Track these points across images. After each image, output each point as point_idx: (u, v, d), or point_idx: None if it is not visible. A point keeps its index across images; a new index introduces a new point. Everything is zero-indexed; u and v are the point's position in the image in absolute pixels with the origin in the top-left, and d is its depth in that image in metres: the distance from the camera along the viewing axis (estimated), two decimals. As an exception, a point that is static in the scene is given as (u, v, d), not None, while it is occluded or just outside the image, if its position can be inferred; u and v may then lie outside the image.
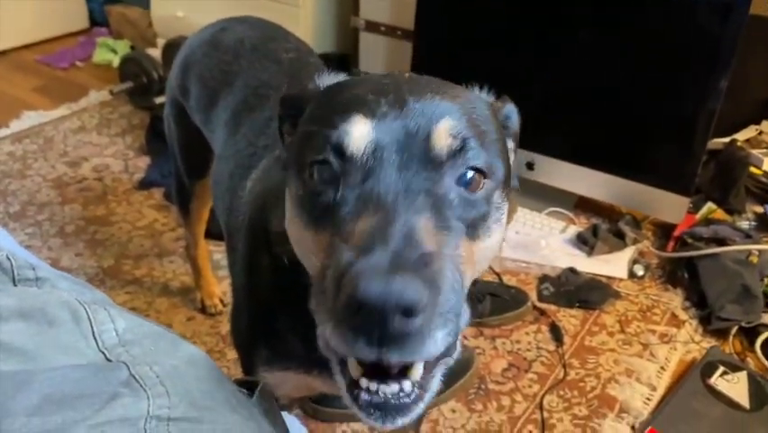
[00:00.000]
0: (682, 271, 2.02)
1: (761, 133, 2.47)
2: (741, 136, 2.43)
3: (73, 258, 2.10)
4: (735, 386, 1.64)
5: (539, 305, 1.93)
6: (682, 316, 1.92)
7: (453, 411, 1.61)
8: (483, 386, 1.68)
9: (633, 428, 1.58)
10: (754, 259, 1.95)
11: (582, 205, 2.35)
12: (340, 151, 0.64)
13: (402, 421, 0.63)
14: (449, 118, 0.66)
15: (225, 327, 1.84)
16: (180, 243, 2.11)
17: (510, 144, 0.83)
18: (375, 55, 2.84)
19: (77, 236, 2.20)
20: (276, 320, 0.94)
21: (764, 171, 2.31)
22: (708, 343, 1.82)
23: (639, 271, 2.06)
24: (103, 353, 0.62)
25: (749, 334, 1.82)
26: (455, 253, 0.62)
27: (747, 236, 2.04)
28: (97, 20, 3.95)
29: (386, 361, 0.56)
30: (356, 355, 0.57)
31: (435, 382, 0.65)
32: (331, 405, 1.55)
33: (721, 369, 1.69)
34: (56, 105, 3.07)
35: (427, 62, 2.31)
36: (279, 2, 2.76)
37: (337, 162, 0.65)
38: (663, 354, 1.78)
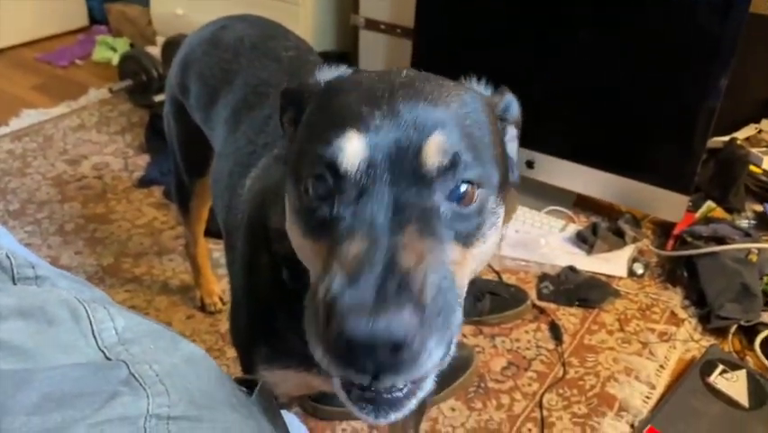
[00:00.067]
0: (682, 270, 2.02)
1: (760, 131, 2.47)
2: (741, 135, 2.43)
3: (73, 256, 2.10)
4: (734, 385, 1.64)
5: (539, 303, 1.94)
6: (682, 314, 1.92)
7: (453, 410, 1.61)
8: (483, 384, 1.68)
9: (632, 426, 1.58)
10: (754, 258, 1.95)
11: (582, 203, 2.35)
12: (334, 167, 0.65)
13: (395, 416, 0.64)
14: (440, 132, 0.65)
15: (225, 325, 1.84)
16: (180, 241, 2.11)
17: (512, 132, 0.83)
18: (375, 53, 2.83)
19: (76, 234, 2.20)
20: (275, 318, 0.94)
21: (764, 170, 2.31)
22: (708, 341, 1.82)
23: (639, 269, 2.06)
24: (102, 351, 0.62)
25: (748, 332, 1.82)
26: (445, 261, 0.63)
27: (747, 235, 2.04)
28: (97, 18, 3.94)
29: (381, 383, 0.58)
30: (348, 379, 0.60)
31: (429, 379, 0.66)
32: (330, 403, 1.55)
33: (720, 367, 1.69)
34: (55, 104, 3.07)
35: (427, 61, 2.31)
36: (279, 0, 2.76)
37: (331, 178, 0.66)
38: (663, 353, 1.79)
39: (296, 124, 0.81)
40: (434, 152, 0.64)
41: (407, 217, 0.62)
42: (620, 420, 1.60)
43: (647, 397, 1.66)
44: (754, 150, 2.35)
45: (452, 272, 0.63)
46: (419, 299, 0.56)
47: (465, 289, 0.71)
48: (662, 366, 1.75)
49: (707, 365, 1.70)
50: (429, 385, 0.66)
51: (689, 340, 1.83)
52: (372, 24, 2.78)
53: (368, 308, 0.54)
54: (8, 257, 0.71)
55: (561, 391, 1.67)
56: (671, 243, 2.12)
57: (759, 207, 2.24)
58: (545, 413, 1.61)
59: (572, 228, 2.22)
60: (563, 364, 1.74)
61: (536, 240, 2.16)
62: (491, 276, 2.01)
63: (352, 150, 0.64)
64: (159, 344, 0.66)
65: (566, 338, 1.82)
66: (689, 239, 2.06)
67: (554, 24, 2.13)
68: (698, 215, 2.19)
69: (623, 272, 2.07)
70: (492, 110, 0.78)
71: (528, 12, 2.16)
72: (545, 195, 2.31)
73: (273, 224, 0.88)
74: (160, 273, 2.05)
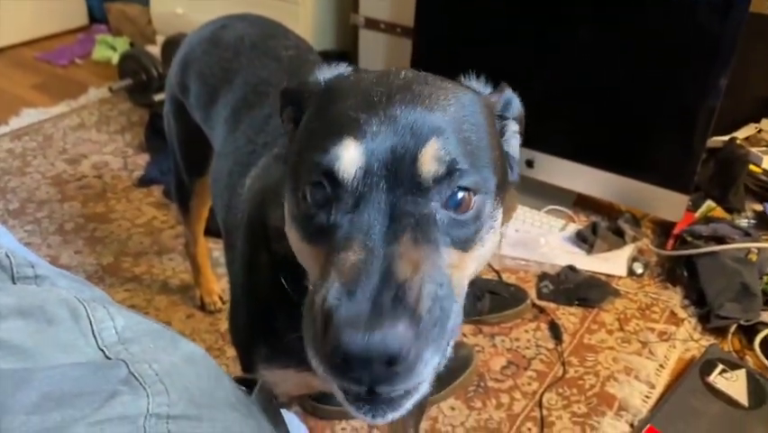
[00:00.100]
0: (681, 270, 2.02)
1: (760, 131, 2.47)
2: (740, 134, 2.43)
3: (72, 255, 2.10)
4: (733, 384, 1.64)
5: (538, 303, 1.94)
6: (681, 314, 1.92)
7: (453, 409, 1.61)
8: (482, 384, 1.68)
9: (632, 425, 1.58)
10: (754, 257, 1.95)
11: (582, 203, 2.35)
12: (331, 175, 0.65)
13: (392, 416, 0.64)
14: (436, 140, 0.65)
15: (225, 324, 1.84)
16: (180, 240, 2.11)
17: (514, 127, 0.83)
18: (375, 52, 2.83)
19: (76, 234, 2.20)
20: (275, 318, 0.94)
21: (764, 169, 2.31)
22: (707, 341, 1.82)
23: (638, 269, 2.06)
24: (102, 351, 0.62)
25: (748, 332, 1.82)
26: (441, 267, 0.63)
27: (746, 234, 2.04)
28: (97, 17, 3.94)
29: (375, 391, 0.59)
30: (345, 388, 0.61)
31: (425, 382, 0.66)
32: (330, 403, 1.55)
33: (720, 367, 1.69)
34: (55, 103, 3.07)
35: (427, 60, 2.31)
36: (279, -1, 2.76)
37: (329, 186, 0.66)
38: (662, 352, 1.79)
39: (295, 122, 0.81)
40: (429, 159, 0.65)
41: (404, 226, 0.62)
42: (620, 420, 1.60)
43: (647, 396, 1.66)
44: (753, 149, 2.35)
45: (449, 279, 0.64)
46: (415, 311, 0.57)
47: (465, 290, 0.71)
48: (661, 366, 1.75)
49: (706, 365, 1.70)
50: (425, 387, 0.66)
51: (688, 339, 1.83)
52: (372, 23, 2.78)
53: (363, 322, 0.55)
54: (8, 256, 0.71)
55: (560, 390, 1.67)
56: (670, 242, 2.12)
57: (759, 207, 2.24)
58: (545, 412, 1.61)
59: (572, 228, 2.22)
60: (563, 364, 1.74)
61: (536, 239, 2.16)
62: (491, 275, 2.01)
63: (349, 158, 0.65)
64: (158, 343, 0.66)
65: (566, 338, 1.82)
66: (688, 238, 2.06)
67: (554, 23, 2.13)
68: (697, 214, 2.19)
69: (623, 272, 2.07)
70: (491, 111, 0.78)
71: (528, 10, 2.16)
72: (545, 194, 2.31)
73: (273, 223, 0.88)
74: (159, 273, 2.05)
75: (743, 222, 2.17)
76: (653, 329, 1.87)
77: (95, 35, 3.71)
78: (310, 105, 0.77)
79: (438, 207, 0.66)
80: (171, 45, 2.73)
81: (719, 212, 2.20)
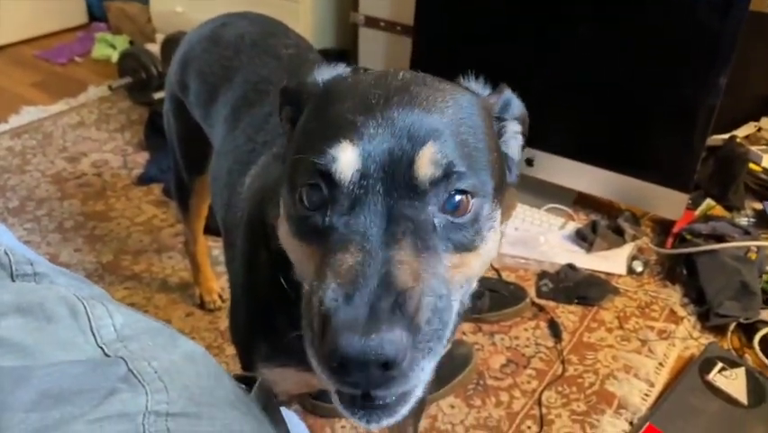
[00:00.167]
0: (681, 268, 2.02)
1: (760, 129, 2.47)
2: (740, 133, 2.43)
3: (72, 253, 2.10)
4: (733, 382, 1.65)
5: (538, 301, 1.94)
6: (681, 312, 1.92)
7: (452, 407, 1.61)
8: (482, 382, 1.68)
9: (631, 423, 1.59)
10: (753, 255, 1.95)
11: (581, 201, 2.35)
12: (327, 177, 0.66)
13: (387, 422, 0.65)
14: (433, 143, 0.65)
15: (224, 322, 1.84)
16: (179, 238, 2.11)
17: (514, 128, 0.83)
18: (375, 51, 2.83)
19: (75, 232, 2.20)
20: (275, 316, 0.94)
21: (763, 168, 2.31)
22: (707, 339, 1.82)
23: (638, 267, 2.06)
24: (101, 348, 0.62)
25: (747, 330, 1.83)
26: (438, 273, 0.64)
27: (746, 233, 2.04)
28: (96, 15, 3.94)
29: (372, 396, 0.60)
30: (342, 391, 0.62)
31: (419, 389, 0.67)
32: (330, 401, 1.55)
33: (719, 365, 1.69)
34: (55, 101, 3.07)
35: (427, 58, 2.31)
36: (279, -3, 2.76)
37: (325, 188, 0.66)
38: (662, 351, 1.79)
39: (293, 122, 0.81)
40: (426, 163, 0.65)
41: (402, 230, 0.63)
42: (619, 418, 1.60)
43: (646, 394, 1.66)
44: (753, 148, 2.35)
45: (448, 288, 0.64)
46: (413, 320, 0.58)
47: (470, 289, 0.71)
48: (661, 364, 1.75)
49: (706, 363, 1.70)
50: (419, 393, 0.67)
51: (688, 338, 1.83)
52: (372, 22, 2.78)
53: (361, 326, 0.55)
54: (6, 254, 0.71)
55: (560, 388, 1.67)
56: (670, 240, 2.12)
57: (758, 205, 2.24)
58: (544, 410, 1.61)
59: (572, 226, 2.22)
60: (562, 362, 1.74)
61: (536, 238, 2.16)
62: (491, 273, 2.01)
63: (346, 160, 0.65)
64: (157, 341, 0.66)
65: (565, 336, 1.82)
66: (688, 237, 2.06)
67: (554, 21, 2.13)
68: (697, 213, 2.19)
69: (622, 270, 2.07)
70: (489, 112, 0.78)
71: (528, 8, 2.16)
72: (545, 192, 2.31)
73: (272, 222, 0.88)
74: (159, 271, 2.05)
75: (742, 220, 2.17)
76: (652, 327, 1.87)
77: (94, 33, 3.71)
78: (308, 106, 0.77)
79: (435, 210, 0.66)
80: (171, 43, 2.72)
81: (719, 210, 2.20)
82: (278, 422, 0.77)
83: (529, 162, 2.26)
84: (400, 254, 0.61)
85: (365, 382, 0.57)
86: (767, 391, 1.63)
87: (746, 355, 1.77)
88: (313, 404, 1.57)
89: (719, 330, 1.84)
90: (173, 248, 2.13)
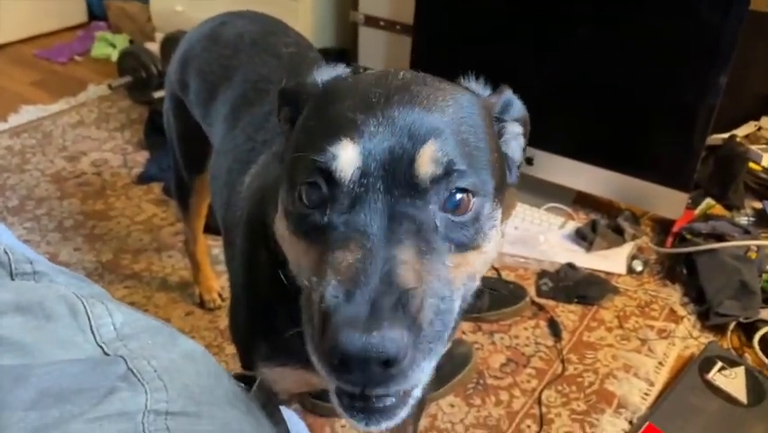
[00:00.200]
0: (681, 267, 2.02)
1: (760, 128, 2.47)
2: (740, 132, 2.43)
3: (72, 252, 2.10)
4: (732, 381, 1.65)
5: (537, 300, 1.94)
6: (681, 311, 1.92)
7: (452, 406, 1.61)
8: (482, 381, 1.68)
9: (631, 423, 1.59)
10: (753, 255, 1.95)
11: (581, 200, 2.35)
12: (327, 175, 0.65)
13: (386, 424, 0.65)
14: (433, 141, 0.65)
15: (224, 321, 1.84)
16: (179, 237, 2.10)
17: (515, 129, 0.83)
18: (374, 50, 2.83)
19: (75, 231, 2.20)
20: (275, 315, 0.94)
21: (763, 167, 2.31)
22: (707, 338, 1.82)
23: (638, 266, 2.06)
24: (101, 347, 0.62)
25: (747, 329, 1.83)
26: (442, 282, 0.63)
27: (746, 232, 2.04)
28: (96, 14, 3.94)
29: (369, 393, 0.60)
30: (341, 387, 0.62)
31: (418, 390, 0.67)
32: (330, 400, 1.55)
33: (719, 364, 1.69)
34: (54, 100, 3.07)
35: (426, 57, 2.31)
36: (279, -4, 2.76)
37: (325, 186, 0.66)
38: (662, 350, 1.79)
39: (292, 122, 0.81)
40: (427, 161, 0.65)
41: (403, 229, 0.62)
42: (619, 417, 1.60)
43: (646, 394, 1.66)
44: (753, 147, 2.35)
45: (450, 289, 0.64)
46: (416, 321, 0.57)
47: (473, 288, 0.71)
48: (660, 363, 1.75)
49: (705, 362, 1.70)
50: (419, 394, 0.67)
51: (687, 337, 1.83)
52: (372, 21, 2.78)
53: (362, 323, 0.55)
54: (6, 253, 0.71)
55: (559, 387, 1.67)
56: (670, 240, 2.12)
57: (758, 205, 2.24)
58: (544, 410, 1.61)
59: (572, 225, 2.22)
60: (562, 361, 1.74)
61: (536, 237, 2.16)
62: (490, 273, 2.01)
63: (346, 158, 0.65)
64: (157, 339, 0.66)
65: (565, 335, 1.82)
66: (688, 236, 2.06)
67: (554, 21, 2.13)
68: (697, 212, 2.19)
69: (622, 269, 2.07)
70: (489, 112, 0.77)
71: (528, 8, 2.15)
72: (545, 192, 2.31)
73: (272, 221, 0.88)
74: (159, 270, 2.05)
75: (742, 219, 2.17)
76: (652, 327, 1.87)
77: (94, 32, 3.71)
78: (307, 105, 0.77)
79: (436, 209, 0.65)
80: (171, 42, 2.71)
81: (719, 210, 2.20)
82: (278, 421, 0.77)
83: (529, 162, 2.26)
84: (403, 254, 0.61)
85: (365, 379, 0.57)
86: (767, 391, 1.63)
87: (746, 355, 1.77)
88: (313, 403, 1.57)
89: (719, 329, 1.84)
90: (173, 247, 2.13)
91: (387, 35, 2.76)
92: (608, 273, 2.05)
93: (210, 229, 1.86)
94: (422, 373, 0.59)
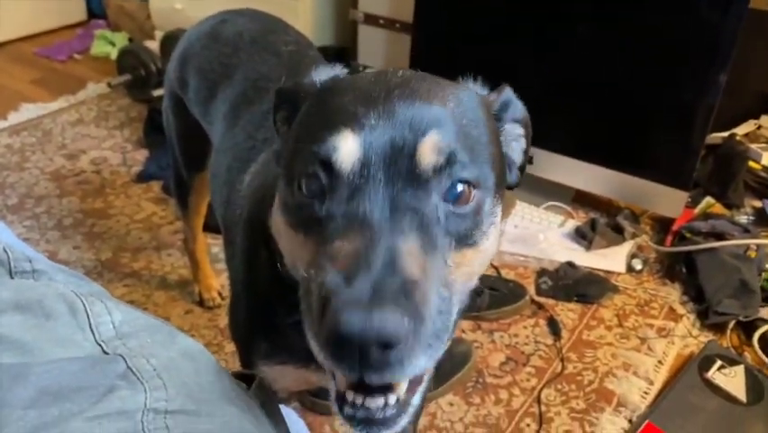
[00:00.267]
0: (680, 266, 2.02)
1: (760, 127, 2.47)
2: (740, 131, 2.43)
3: (71, 251, 2.10)
4: (732, 380, 1.65)
5: (537, 299, 1.94)
6: (680, 310, 1.92)
7: (451, 405, 1.61)
8: (481, 380, 1.68)
9: (630, 421, 1.59)
10: (753, 253, 1.95)
11: (581, 199, 2.35)
12: (327, 166, 0.65)
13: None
14: (435, 132, 0.65)
15: (223, 320, 1.84)
16: (179, 236, 2.10)
17: (516, 131, 0.82)
18: (374, 48, 2.83)
19: (75, 229, 2.20)
20: (274, 314, 0.94)
21: (763, 166, 2.31)
22: (706, 337, 1.82)
23: (637, 265, 2.06)
24: (100, 345, 0.62)
25: (747, 328, 1.83)
26: (442, 275, 0.63)
27: (745, 231, 2.04)
28: (95, 12, 3.94)
29: (367, 381, 0.58)
30: (340, 373, 0.60)
31: (418, 397, 0.68)
32: (329, 398, 1.55)
33: (718, 363, 1.69)
34: (54, 98, 3.07)
35: (426, 56, 2.31)
36: (278, -6, 2.75)
37: (325, 177, 0.65)
38: (661, 349, 1.79)
39: (289, 123, 0.80)
40: (429, 150, 0.64)
41: (407, 220, 0.62)
42: (618, 416, 1.60)
43: (645, 392, 1.66)
44: (753, 145, 2.35)
45: (450, 290, 0.63)
46: (418, 310, 0.56)
47: (471, 286, 0.71)
48: (660, 362, 1.75)
49: (705, 361, 1.70)
50: (418, 399, 0.67)
51: (687, 336, 1.83)
52: (371, 19, 2.77)
53: (364, 302, 0.54)
54: (5, 251, 0.71)
55: (559, 386, 1.67)
56: (669, 238, 2.12)
57: (758, 203, 2.24)
58: (544, 408, 1.61)
59: (571, 224, 2.22)
60: (562, 360, 1.74)
61: (535, 235, 2.16)
62: (490, 271, 2.01)
63: (347, 148, 0.64)
64: (156, 338, 0.66)
65: (564, 334, 1.83)
66: (687, 235, 2.06)
67: (553, 20, 2.13)
68: (697, 211, 2.20)
69: (621, 268, 2.07)
70: (489, 109, 0.77)
71: (527, 7, 2.15)
72: (544, 190, 2.31)
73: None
74: (158, 268, 2.04)
75: (742, 218, 2.17)
76: (651, 325, 1.87)
77: (93, 30, 3.71)
78: (306, 102, 0.77)
79: (438, 199, 0.65)
80: (170, 40, 2.72)
81: (718, 208, 2.20)
82: (277, 419, 0.77)
83: (529, 160, 2.25)
84: (406, 244, 0.60)
85: (363, 363, 0.56)
86: (766, 389, 1.63)
87: (745, 353, 1.77)
88: (312, 401, 1.57)
89: (719, 328, 1.84)
90: (172, 245, 2.13)
91: (386, 33, 2.76)
92: (607, 272, 2.05)
93: (209, 227, 1.86)
94: (420, 366, 0.58)
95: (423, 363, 0.58)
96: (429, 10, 2.32)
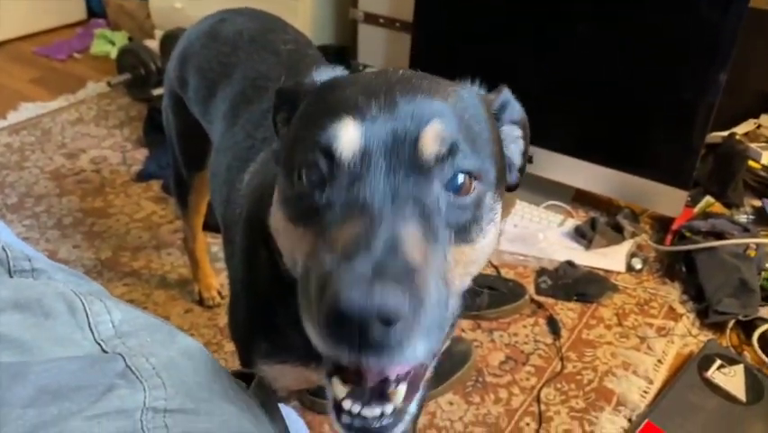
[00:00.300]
0: (680, 265, 2.02)
1: (759, 126, 2.47)
2: (740, 130, 2.43)
3: (71, 250, 2.10)
4: (731, 379, 1.65)
5: (537, 298, 1.94)
6: (680, 309, 1.92)
7: (451, 404, 1.61)
8: (481, 379, 1.68)
9: (630, 420, 1.59)
10: (752, 253, 1.95)
11: (580, 198, 2.35)
12: (328, 154, 0.64)
13: None
14: (437, 121, 0.65)
15: (223, 319, 1.84)
16: (178, 235, 2.10)
17: (515, 132, 0.83)
18: (374, 47, 2.83)
19: (74, 228, 2.20)
20: (274, 313, 0.94)
21: (763, 165, 2.31)
22: (706, 336, 1.82)
23: (637, 264, 2.06)
24: (99, 344, 0.62)
25: (746, 327, 1.83)
26: (442, 265, 0.62)
27: (745, 230, 2.04)
28: (95, 11, 3.94)
29: (365, 365, 0.57)
30: (337, 358, 0.58)
31: (414, 406, 0.68)
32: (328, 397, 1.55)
33: (718, 362, 1.69)
34: (54, 97, 3.07)
35: (426, 55, 2.31)
36: (278, -7, 2.75)
37: (326, 165, 0.65)
38: (661, 348, 1.79)
39: (289, 123, 0.80)
40: (432, 139, 0.64)
41: (408, 208, 0.61)
42: (618, 415, 1.60)
43: (645, 391, 1.66)
44: (752, 145, 2.35)
45: (447, 288, 0.63)
46: (419, 296, 0.55)
47: (467, 285, 0.71)
48: (659, 361, 1.75)
49: (704, 360, 1.70)
50: (414, 408, 0.67)
51: (687, 335, 1.83)
52: (371, 18, 2.77)
53: (365, 279, 0.53)
54: (4, 250, 0.71)
55: (559, 385, 1.67)
56: (669, 238, 2.12)
57: (758, 203, 2.24)
58: (543, 407, 1.61)
59: (571, 223, 2.22)
60: (561, 359, 1.74)
61: (535, 235, 2.16)
62: (489, 270, 2.01)
63: (348, 137, 0.64)
64: (155, 337, 0.66)
65: (564, 333, 1.83)
66: (687, 234, 2.06)
67: (553, 19, 2.13)
68: (696, 210, 2.20)
69: (621, 267, 2.07)
70: (488, 108, 0.78)
71: (527, 6, 2.15)
72: (544, 189, 2.31)
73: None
74: (158, 267, 2.04)
75: (741, 217, 2.17)
76: (651, 324, 1.87)
77: (93, 29, 3.71)
78: (306, 100, 0.77)
79: (440, 188, 0.65)
80: (170, 39, 2.72)
81: (718, 207, 2.20)
82: (277, 418, 0.77)
83: (528, 159, 2.25)
84: (408, 230, 0.59)
85: (362, 341, 0.54)
86: (765, 389, 1.63)
87: (745, 353, 1.77)
88: (311, 400, 1.57)
89: (718, 327, 1.84)
90: (172, 245, 2.13)
91: (386, 32, 2.76)
92: (607, 271, 2.05)
93: (209, 227, 1.86)
94: (418, 353, 0.57)
95: (421, 349, 0.57)
96: (429, 9, 2.32)
